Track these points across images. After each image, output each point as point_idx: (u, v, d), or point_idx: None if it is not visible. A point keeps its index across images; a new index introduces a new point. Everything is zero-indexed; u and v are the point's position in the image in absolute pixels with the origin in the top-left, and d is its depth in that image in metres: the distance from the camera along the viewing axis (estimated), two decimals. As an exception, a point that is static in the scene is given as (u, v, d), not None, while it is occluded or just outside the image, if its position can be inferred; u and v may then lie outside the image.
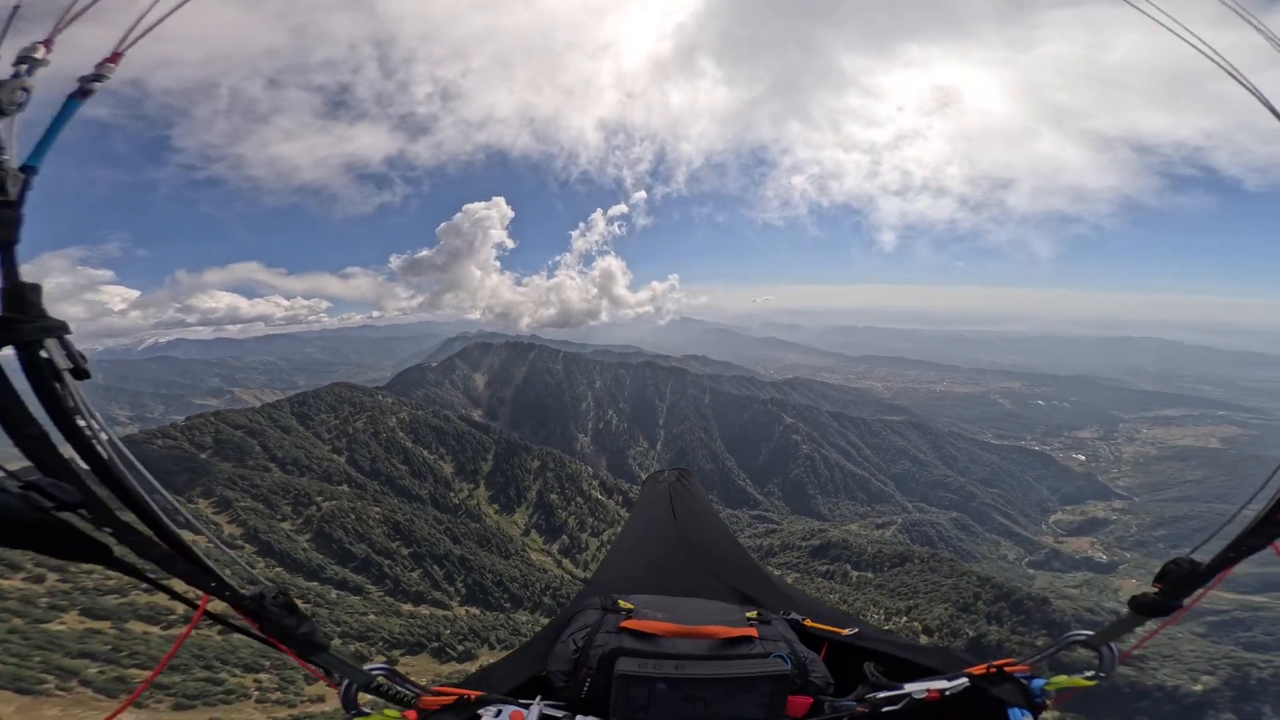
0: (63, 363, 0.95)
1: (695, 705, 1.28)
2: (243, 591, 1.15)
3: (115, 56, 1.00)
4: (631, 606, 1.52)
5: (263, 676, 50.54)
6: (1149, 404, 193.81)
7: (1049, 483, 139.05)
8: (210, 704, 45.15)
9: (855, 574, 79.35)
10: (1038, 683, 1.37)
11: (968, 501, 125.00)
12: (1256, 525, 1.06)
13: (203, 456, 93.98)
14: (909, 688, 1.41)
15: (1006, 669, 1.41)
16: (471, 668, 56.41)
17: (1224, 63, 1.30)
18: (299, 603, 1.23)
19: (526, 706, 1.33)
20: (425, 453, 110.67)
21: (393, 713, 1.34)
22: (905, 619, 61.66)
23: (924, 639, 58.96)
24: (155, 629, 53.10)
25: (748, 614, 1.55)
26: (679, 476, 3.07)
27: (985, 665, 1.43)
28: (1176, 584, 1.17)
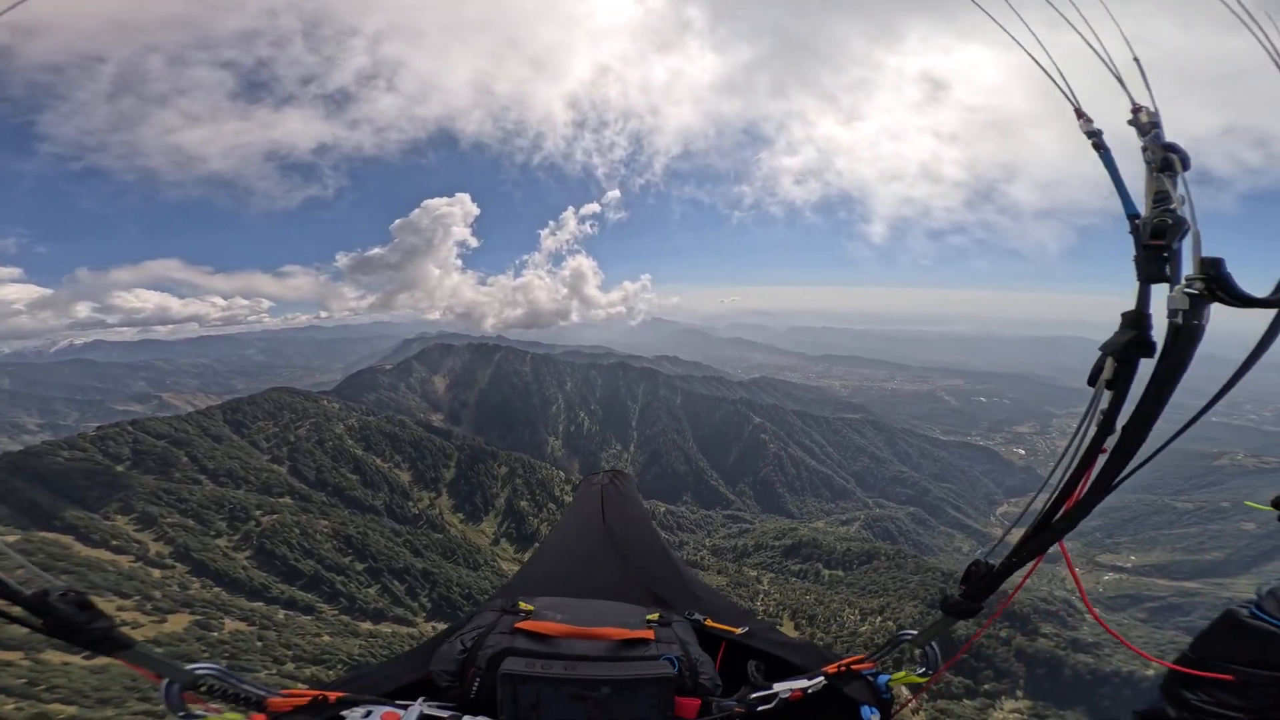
0: None
1: (586, 705, 1.29)
2: (19, 589, 1.09)
3: None
4: (531, 608, 1.53)
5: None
6: (1077, 400, 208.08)
7: (994, 476, 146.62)
8: None
9: (827, 573, 80.00)
10: (883, 679, 1.46)
11: (922, 496, 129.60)
12: (1033, 532, 1.13)
13: (119, 469, 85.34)
14: (778, 688, 1.46)
15: (854, 667, 1.49)
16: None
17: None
18: (95, 599, 1.16)
19: (404, 707, 1.31)
20: (379, 461, 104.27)
21: (235, 715, 1.28)
22: (880, 618, 62.25)
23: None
24: (77, 659, 46.88)
25: (648, 616, 1.56)
26: (613, 479, 3.00)
27: (837, 664, 1.51)
28: (977, 586, 1.28)
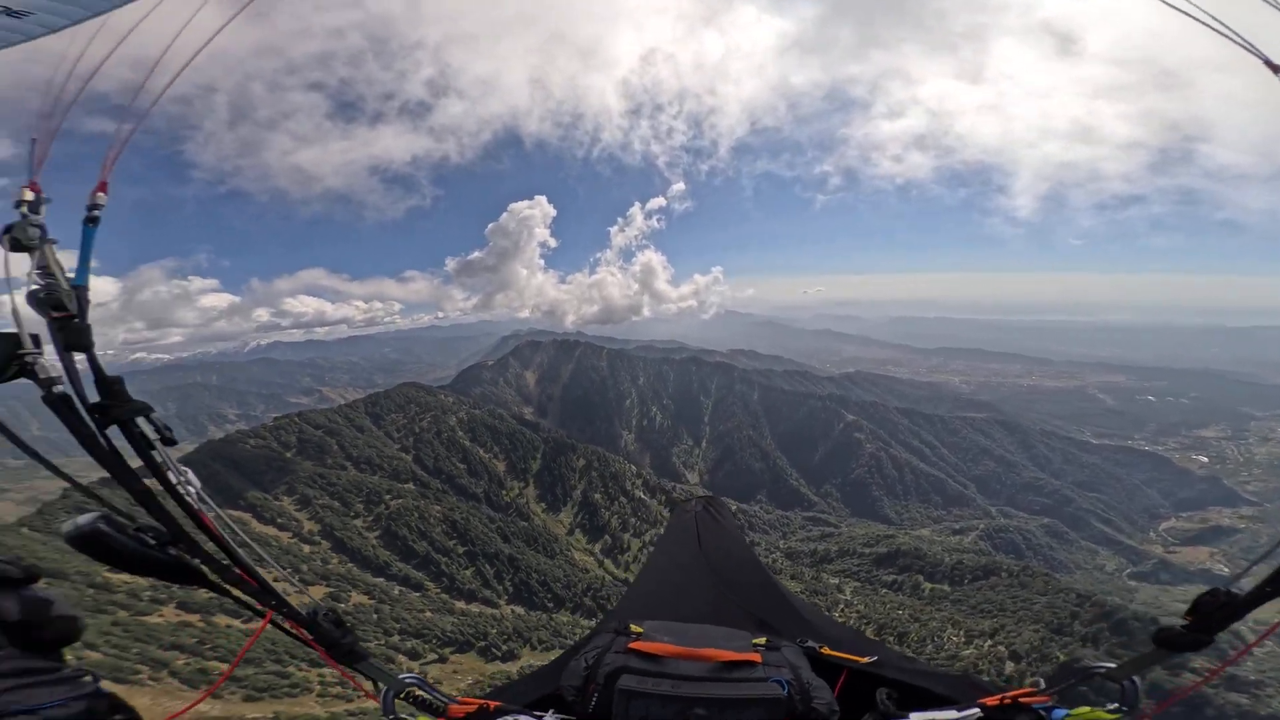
0: (152, 433, 1.24)
1: None
2: (299, 610, 1.44)
3: (103, 186, 1.28)
4: (641, 630, 1.65)
5: (326, 672, 53.24)
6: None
7: (1161, 486, 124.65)
8: (277, 696, 47.92)
9: (929, 586, 73.05)
10: (1058, 714, 1.31)
11: (1062, 506, 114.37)
12: None
13: (288, 455, 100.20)
14: (915, 717, 1.41)
15: (1023, 699, 1.36)
16: (514, 668, 56.49)
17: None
18: (345, 618, 1.51)
19: (540, 717, 1.52)
20: (481, 451, 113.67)
21: (425, 718, 1.53)
22: (990, 642, 55.55)
23: (1009, 666, 52.69)
24: (237, 622, 57.38)
25: (754, 640, 1.61)
26: (705, 505, 3.12)
27: (1000, 696, 1.39)
28: (1209, 617, 1.09)
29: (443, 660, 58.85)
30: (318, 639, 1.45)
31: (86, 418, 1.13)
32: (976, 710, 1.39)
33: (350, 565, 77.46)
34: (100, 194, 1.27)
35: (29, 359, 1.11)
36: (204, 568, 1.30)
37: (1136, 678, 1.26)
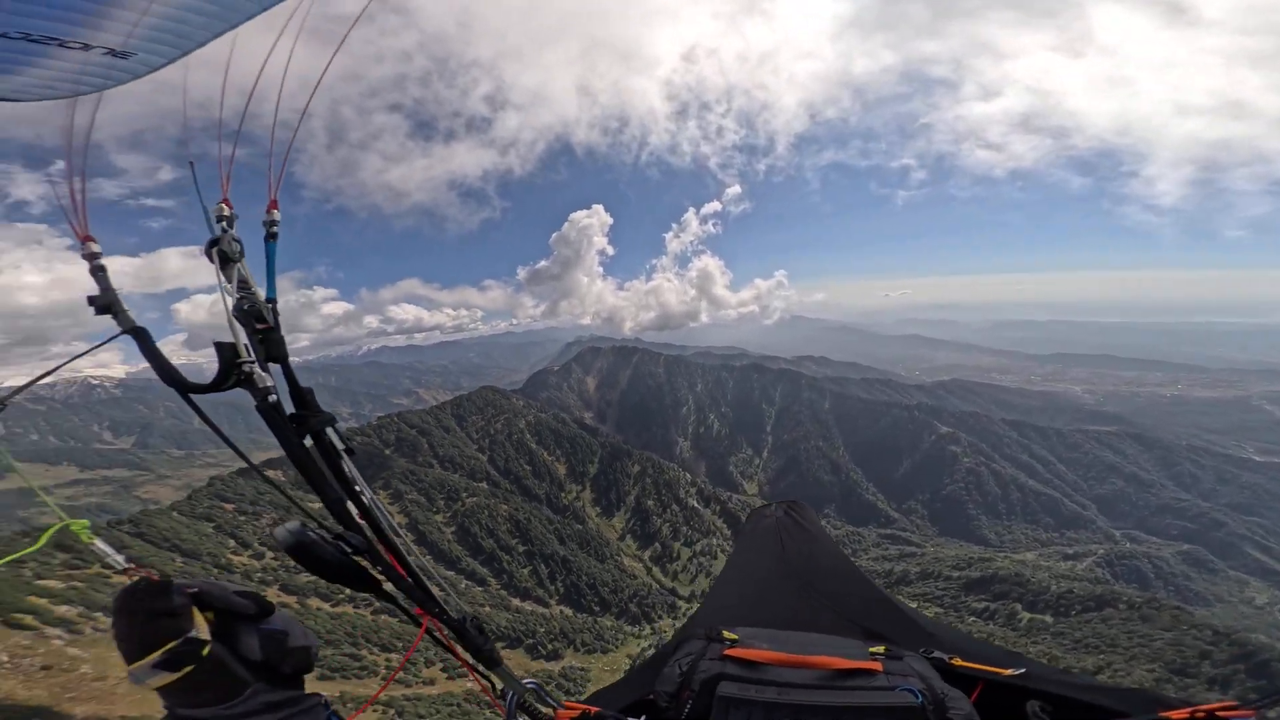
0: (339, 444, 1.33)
1: None
2: (454, 615, 1.52)
3: (273, 204, 1.38)
4: (736, 637, 1.56)
5: (393, 656, 56.70)
6: None
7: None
8: (347, 678, 51.50)
9: (1027, 616, 64.48)
10: None
11: (1208, 531, 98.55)
12: None
13: (387, 453, 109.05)
14: None
15: (1220, 713, 1.19)
16: (557, 668, 56.70)
17: None
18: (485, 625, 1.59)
19: None
20: (545, 454, 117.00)
21: None
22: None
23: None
24: (326, 605, 62.90)
25: (871, 649, 1.48)
26: (788, 510, 2.95)
27: (1190, 709, 1.23)
28: None
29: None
30: (465, 643, 1.52)
31: (288, 428, 1.20)
32: None
33: (428, 558, 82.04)
34: (274, 211, 1.36)
35: (245, 369, 1.18)
36: (381, 576, 1.34)
37: None
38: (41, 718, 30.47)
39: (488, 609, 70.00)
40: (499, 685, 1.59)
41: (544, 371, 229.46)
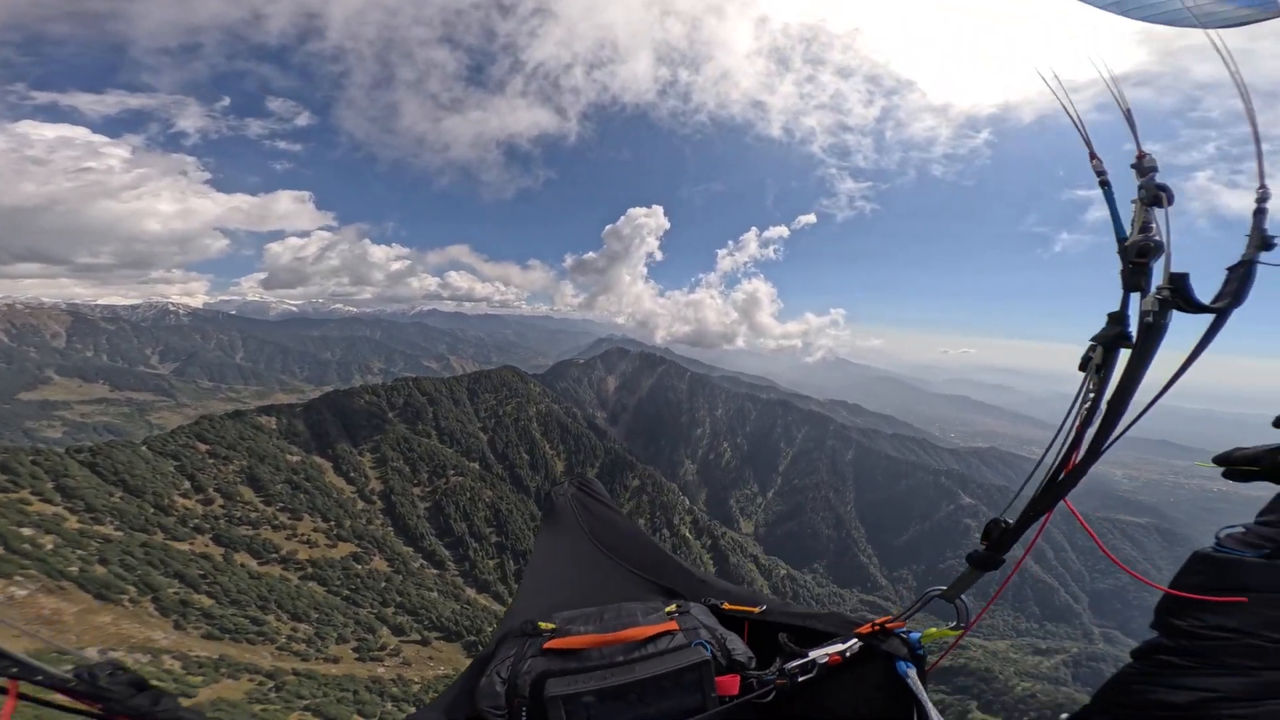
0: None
1: (633, 707, 1.34)
2: (58, 671, 0.95)
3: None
4: (553, 626, 1.57)
5: (302, 626, 55.29)
6: None
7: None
8: (237, 640, 50.07)
9: (978, 716, 59.16)
10: (915, 635, 1.49)
11: None
12: (1042, 491, 1.25)
13: (390, 415, 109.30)
14: (814, 654, 1.51)
15: (888, 626, 1.51)
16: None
17: None
18: (147, 677, 1.05)
19: None
20: (547, 446, 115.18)
21: None
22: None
23: None
24: (253, 562, 62.28)
25: (667, 608, 1.62)
26: (580, 486, 3.12)
27: (870, 625, 1.55)
28: (997, 540, 1.33)
29: (424, 643, 58.77)
30: (113, 708, 0.99)
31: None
32: (856, 640, 1.53)
33: (389, 530, 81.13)
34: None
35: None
36: None
37: (964, 596, 1.44)
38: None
39: (435, 595, 68.26)
40: None
41: (568, 363, 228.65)
